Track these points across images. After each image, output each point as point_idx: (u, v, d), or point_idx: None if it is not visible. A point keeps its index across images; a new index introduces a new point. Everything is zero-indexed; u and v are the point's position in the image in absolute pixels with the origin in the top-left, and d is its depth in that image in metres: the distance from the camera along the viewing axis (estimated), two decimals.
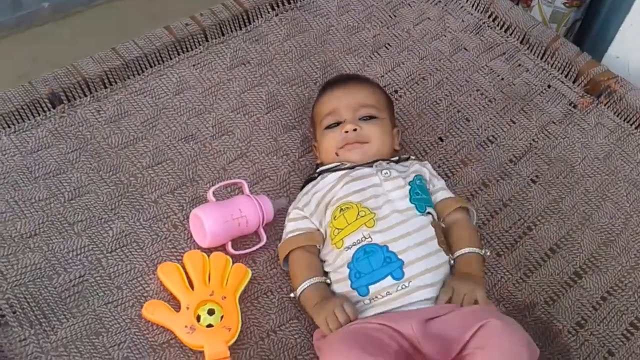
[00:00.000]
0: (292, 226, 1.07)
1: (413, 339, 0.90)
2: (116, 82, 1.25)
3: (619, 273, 1.13)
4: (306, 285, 1.01)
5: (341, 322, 0.93)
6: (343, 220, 1.02)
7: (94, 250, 1.05)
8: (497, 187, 1.23)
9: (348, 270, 0.99)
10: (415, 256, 0.98)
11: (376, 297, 0.97)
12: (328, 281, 1.02)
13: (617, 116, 1.34)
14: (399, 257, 0.98)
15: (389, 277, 0.97)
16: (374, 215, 1.01)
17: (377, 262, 0.98)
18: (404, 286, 0.96)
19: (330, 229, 1.04)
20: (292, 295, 1.03)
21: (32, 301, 0.98)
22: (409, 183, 1.06)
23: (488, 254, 1.07)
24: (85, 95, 1.22)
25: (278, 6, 1.42)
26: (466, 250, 1.03)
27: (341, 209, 1.03)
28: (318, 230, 1.06)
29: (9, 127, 1.16)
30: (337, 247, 1.02)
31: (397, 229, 1.00)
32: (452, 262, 1.03)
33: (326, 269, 1.04)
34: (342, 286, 1.00)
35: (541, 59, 1.42)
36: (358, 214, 1.02)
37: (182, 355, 0.97)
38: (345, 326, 0.93)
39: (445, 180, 1.20)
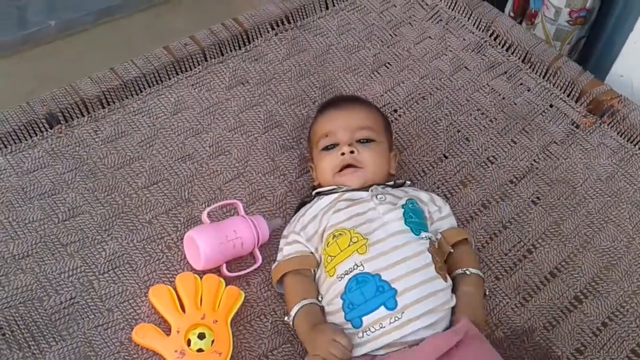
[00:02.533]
0: (287, 250, 1.06)
1: None
2: (114, 102, 1.25)
3: (621, 298, 1.11)
4: (299, 308, 0.99)
5: (340, 356, 0.91)
6: (336, 247, 1.00)
7: (86, 272, 1.04)
8: (497, 208, 1.21)
9: (341, 302, 0.97)
10: (409, 284, 0.95)
11: (369, 329, 0.94)
12: (321, 303, 1.01)
13: (621, 136, 1.31)
14: (392, 285, 0.95)
15: (382, 308, 0.94)
16: (366, 241, 0.99)
17: (369, 292, 0.95)
18: (396, 318, 0.93)
19: (324, 255, 1.02)
20: (285, 318, 1.01)
21: (22, 323, 0.98)
22: (402, 206, 1.04)
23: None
24: (83, 116, 1.22)
25: (278, 25, 1.41)
26: (473, 271, 1.03)
27: (334, 236, 1.02)
28: (312, 254, 1.05)
29: (5, 147, 1.16)
30: (329, 275, 1.00)
31: (390, 255, 0.98)
32: (451, 282, 1.01)
33: (321, 302, 1.01)
34: (336, 318, 0.98)
35: (543, 78, 1.40)
36: (350, 239, 1.00)
37: None
38: None
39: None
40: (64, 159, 1.17)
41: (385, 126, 1.17)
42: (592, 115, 1.35)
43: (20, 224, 1.08)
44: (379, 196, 1.05)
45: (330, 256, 1.00)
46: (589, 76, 1.38)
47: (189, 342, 0.97)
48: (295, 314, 0.99)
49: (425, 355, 0.91)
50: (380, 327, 0.94)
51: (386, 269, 0.96)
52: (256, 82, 1.33)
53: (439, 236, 1.05)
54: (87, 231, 1.09)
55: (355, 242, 0.99)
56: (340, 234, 1.01)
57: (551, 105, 1.37)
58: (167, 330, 0.98)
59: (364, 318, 0.94)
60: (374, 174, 1.09)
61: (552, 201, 1.23)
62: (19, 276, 1.02)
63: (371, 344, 0.94)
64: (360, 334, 0.95)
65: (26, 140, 1.17)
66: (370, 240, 0.99)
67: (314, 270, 1.04)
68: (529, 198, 1.23)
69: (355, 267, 0.97)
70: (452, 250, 1.05)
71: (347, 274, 0.97)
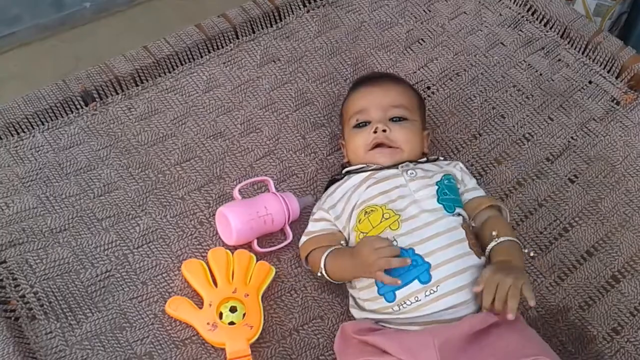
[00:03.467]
0: (313, 226, 1.06)
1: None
2: (147, 80, 1.26)
3: None
4: (326, 255, 0.99)
5: (389, 252, 0.91)
6: (368, 224, 1.00)
7: (120, 246, 1.06)
8: (532, 186, 1.19)
9: None
10: (443, 258, 0.94)
11: (404, 303, 0.93)
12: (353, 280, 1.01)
13: None
14: (425, 260, 0.94)
15: (416, 281, 0.93)
16: (398, 217, 0.99)
17: (403, 266, 0.94)
18: (432, 291, 0.93)
19: (355, 232, 1.02)
20: (318, 274, 1.01)
21: (59, 295, 1.00)
22: (437, 183, 1.03)
23: (532, 254, 1.02)
24: (117, 93, 1.24)
25: (309, 2, 1.40)
26: (504, 238, 0.98)
27: (366, 212, 1.01)
28: (339, 232, 1.05)
29: (42, 124, 1.18)
30: None
31: (424, 230, 0.97)
32: (485, 258, 0.98)
33: (351, 287, 1.01)
34: (368, 292, 0.97)
35: (582, 53, 1.36)
36: (382, 216, 0.99)
37: (203, 352, 0.97)
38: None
39: (478, 179, 1.17)
40: (98, 136, 1.19)
41: (419, 104, 1.15)
42: (633, 91, 1.30)
43: (57, 199, 1.10)
44: (409, 172, 1.04)
45: (363, 232, 1.00)
46: (630, 51, 1.33)
47: (220, 315, 0.98)
48: (324, 261, 0.99)
49: (459, 331, 0.89)
50: (416, 300, 0.93)
51: (419, 244, 0.96)
52: (287, 59, 1.33)
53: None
54: (121, 206, 1.11)
55: (387, 219, 0.99)
56: (372, 211, 1.01)
57: (590, 82, 1.33)
58: (200, 303, 1.00)
59: (397, 292, 0.94)
60: (406, 153, 1.08)
61: (590, 179, 1.20)
62: (56, 249, 1.05)
63: (408, 316, 0.93)
64: (396, 307, 0.94)
65: (62, 117, 1.20)
66: (402, 217, 0.98)
67: (341, 244, 1.03)
68: (565, 176, 1.20)
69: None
70: (473, 225, 1.03)
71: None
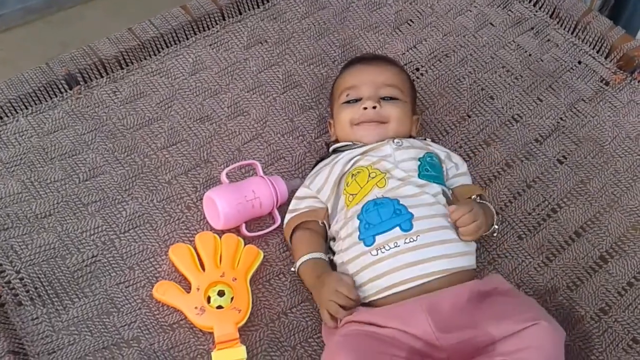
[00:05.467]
0: (294, 204, 1.06)
1: (430, 337, 0.87)
2: (132, 63, 1.25)
3: None
4: (305, 259, 1.00)
5: (343, 304, 0.91)
6: (356, 185, 1.00)
7: (107, 231, 1.05)
8: (521, 167, 1.18)
9: (358, 222, 0.97)
10: (425, 213, 0.96)
11: (382, 247, 0.94)
12: (327, 258, 1.01)
13: None
14: (409, 210, 0.95)
15: (397, 228, 0.94)
16: (384, 175, 0.99)
17: (386, 213, 0.95)
18: (411, 239, 0.93)
19: (344, 196, 1.02)
20: (292, 269, 1.02)
21: (45, 281, 0.99)
22: (419, 159, 1.03)
23: (495, 234, 1.03)
24: (102, 77, 1.22)
25: None
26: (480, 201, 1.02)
27: (352, 175, 1.02)
28: (321, 208, 1.04)
29: (26, 108, 1.17)
30: (351, 208, 1.00)
31: (409, 187, 0.98)
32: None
33: (335, 231, 1.01)
34: (350, 239, 0.97)
35: (572, 33, 1.35)
36: (369, 175, 1.00)
37: (191, 336, 0.97)
38: (349, 333, 0.89)
39: (467, 161, 1.17)
40: (83, 120, 1.17)
41: (410, 88, 1.15)
42: (622, 71, 1.30)
43: (42, 184, 1.09)
44: (395, 140, 1.04)
45: (352, 194, 1.00)
46: (619, 31, 1.33)
47: (208, 299, 0.97)
48: (300, 265, 1.00)
49: (448, 297, 0.89)
50: (395, 246, 0.93)
51: (404, 197, 0.97)
52: (275, 41, 1.31)
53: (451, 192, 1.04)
54: (107, 191, 1.10)
55: (373, 177, 1.00)
56: (358, 172, 1.01)
57: (579, 62, 1.32)
58: (187, 287, 0.99)
59: (377, 237, 0.94)
60: (395, 130, 1.07)
61: (579, 160, 1.19)
62: (41, 235, 1.04)
63: (383, 263, 0.93)
64: (374, 252, 0.94)
65: (46, 101, 1.18)
66: (388, 175, 0.99)
67: (323, 223, 1.03)
68: (554, 157, 1.20)
69: (376, 197, 0.98)
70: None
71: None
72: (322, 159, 1.11)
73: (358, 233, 0.96)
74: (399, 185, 0.98)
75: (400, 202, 0.96)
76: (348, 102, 1.09)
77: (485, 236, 1.06)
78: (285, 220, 1.06)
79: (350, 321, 0.91)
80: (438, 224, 0.96)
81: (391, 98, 1.08)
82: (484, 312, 0.88)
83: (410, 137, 1.11)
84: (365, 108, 1.06)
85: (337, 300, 0.92)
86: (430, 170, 1.02)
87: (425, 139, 1.12)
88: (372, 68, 1.12)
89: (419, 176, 1.01)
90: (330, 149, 1.11)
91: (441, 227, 0.95)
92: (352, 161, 1.04)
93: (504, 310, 0.88)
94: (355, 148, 1.06)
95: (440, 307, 0.88)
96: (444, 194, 1.01)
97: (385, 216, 0.95)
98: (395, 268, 0.93)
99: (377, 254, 0.94)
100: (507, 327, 0.85)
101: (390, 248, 0.93)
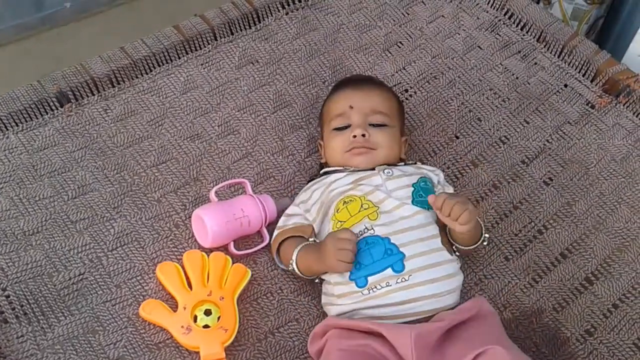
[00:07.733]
0: (285, 221, 1.07)
1: (407, 354, 0.88)
2: (124, 81, 1.25)
3: (633, 280, 1.09)
4: (298, 248, 1.01)
5: (351, 250, 0.93)
6: (346, 213, 1.01)
7: (94, 249, 1.05)
8: (508, 189, 1.20)
9: None
10: (417, 251, 0.97)
11: (374, 287, 0.95)
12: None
13: (637, 116, 1.29)
14: (401, 249, 0.96)
15: (389, 269, 0.95)
16: (377, 209, 1.00)
17: (378, 253, 0.96)
18: (403, 279, 0.94)
19: (333, 222, 1.02)
20: (289, 268, 1.02)
21: (31, 298, 0.99)
22: (413, 185, 1.04)
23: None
24: (93, 94, 1.23)
25: (288, 4, 1.40)
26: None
27: (344, 202, 1.02)
28: (310, 225, 1.05)
29: (17, 125, 1.17)
30: None
31: (400, 223, 0.99)
32: (458, 262, 1.01)
33: (326, 283, 1.02)
34: (340, 277, 0.98)
35: (558, 57, 1.37)
36: (361, 206, 1.01)
37: (177, 356, 0.97)
38: (346, 348, 0.91)
39: (455, 182, 1.18)
40: (74, 138, 1.18)
41: (399, 110, 1.16)
42: (607, 95, 1.32)
43: (30, 201, 1.09)
44: (386, 171, 1.05)
45: (340, 221, 1.01)
46: (605, 55, 1.35)
47: (195, 319, 0.97)
48: (295, 256, 1.00)
49: (431, 326, 0.91)
50: (387, 285, 0.94)
51: (395, 234, 0.97)
52: (266, 61, 1.33)
53: None
54: (96, 209, 1.10)
55: (366, 209, 1.00)
56: (350, 200, 1.02)
57: (566, 85, 1.34)
58: (174, 306, 0.99)
59: (369, 278, 0.95)
60: (384, 156, 1.08)
61: (565, 182, 1.21)
62: (29, 252, 1.04)
63: (374, 301, 0.95)
64: (366, 291, 0.95)
65: (37, 118, 1.18)
66: (381, 209, 1.00)
67: (310, 239, 1.04)
68: (540, 179, 1.21)
69: (366, 230, 0.98)
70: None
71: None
72: (312, 179, 1.12)
73: (348, 274, 0.97)
74: (390, 222, 0.99)
75: (391, 242, 0.97)
76: (338, 128, 1.10)
77: (474, 253, 1.08)
78: (273, 237, 1.07)
79: (338, 326, 0.94)
80: (429, 261, 0.97)
81: (380, 125, 1.09)
82: (458, 339, 0.91)
83: (401, 159, 1.12)
84: (354, 136, 1.08)
85: (344, 246, 0.93)
86: (423, 195, 1.03)
87: (415, 163, 1.13)
88: (361, 93, 1.13)
89: (413, 202, 1.02)
90: (322, 171, 1.12)
91: (432, 265, 0.96)
92: (345, 190, 1.04)
93: (472, 336, 0.91)
94: (346, 172, 1.07)
95: (425, 341, 0.90)
96: (438, 221, 1.02)
97: (377, 256, 0.96)
98: (386, 305, 0.95)
99: (369, 293, 0.95)
100: (466, 355, 0.87)
101: (382, 287, 0.95)
